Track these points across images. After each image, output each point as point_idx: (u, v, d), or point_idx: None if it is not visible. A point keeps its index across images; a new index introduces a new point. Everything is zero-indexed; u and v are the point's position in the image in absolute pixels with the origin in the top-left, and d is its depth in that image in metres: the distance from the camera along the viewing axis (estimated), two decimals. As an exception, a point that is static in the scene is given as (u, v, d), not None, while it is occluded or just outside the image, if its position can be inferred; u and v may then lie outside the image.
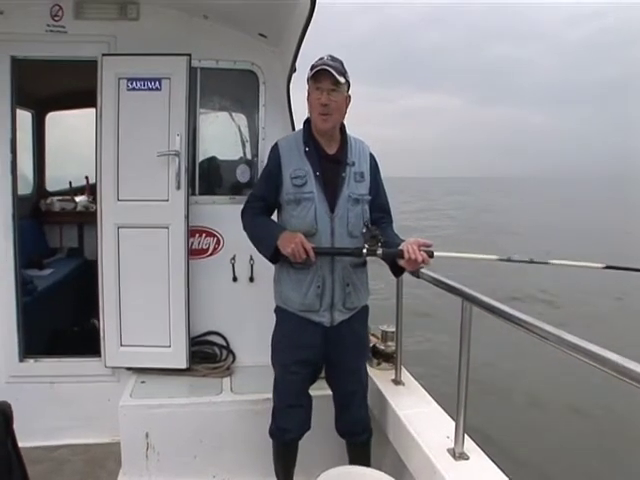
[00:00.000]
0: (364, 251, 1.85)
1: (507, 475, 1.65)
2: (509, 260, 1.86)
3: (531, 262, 1.86)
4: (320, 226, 1.94)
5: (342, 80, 1.89)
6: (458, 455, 1.75)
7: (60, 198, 4.61)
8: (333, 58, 1.93)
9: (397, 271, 2.02)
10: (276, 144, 2.05)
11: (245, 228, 2.08)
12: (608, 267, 1.85)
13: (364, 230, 1.91)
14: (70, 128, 4.81)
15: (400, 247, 1.84)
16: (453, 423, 1.80)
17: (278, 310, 2.12)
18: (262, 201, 2.05)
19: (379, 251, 1.85)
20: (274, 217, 2.11)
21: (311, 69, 1.91)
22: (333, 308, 1.99)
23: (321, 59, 1.92)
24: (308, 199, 1.94)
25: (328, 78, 1.88)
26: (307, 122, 2.03)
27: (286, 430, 2.08)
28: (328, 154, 2.00)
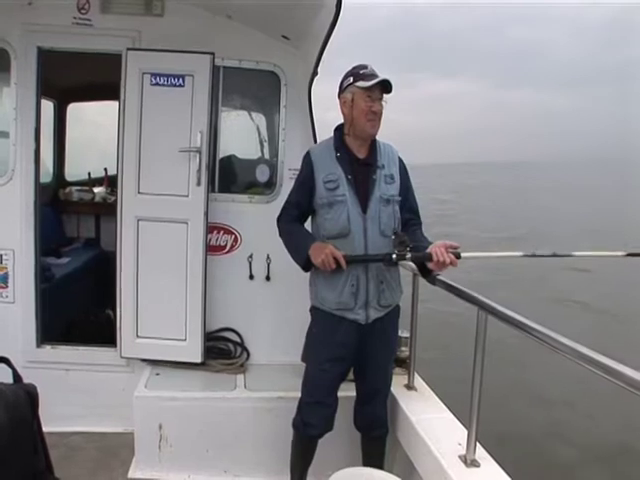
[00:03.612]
0: (394, 257, 1.91)
1: None
2: (533, 255, 1.92)
3: (554, 256, 1.93)
4: (353, 227, 1.99)
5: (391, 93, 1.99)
6: (469, 462, 1.77)
7: (79, 188, 4.63)
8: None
9: (426, 273, 2.06)
10: (308, 152, 2.13)
11: (280, 235, 2.17)
12: (630, 254, 1.89)
13: (393, 237, 1.96)
14: (90, 119, 4.84)
15: (428, 250, 1.89)
16: (465, 430, 1.81)
17: (313, 309, 2.17)
18: (296, 208, 2.13)
19: (408, 255, 1.90)
20: (308, 221, 2.18)
21: (361, 77, 1.98)
22: (368, 305, 2.04)
23: (365, 67, 2.01)
24: (341, 202, 2.00)
25: (379, 88, 1.98)
26: (337, 129, 2.10)
27: (311, 425, 2.12)
28: (359, 158, 2.07)
